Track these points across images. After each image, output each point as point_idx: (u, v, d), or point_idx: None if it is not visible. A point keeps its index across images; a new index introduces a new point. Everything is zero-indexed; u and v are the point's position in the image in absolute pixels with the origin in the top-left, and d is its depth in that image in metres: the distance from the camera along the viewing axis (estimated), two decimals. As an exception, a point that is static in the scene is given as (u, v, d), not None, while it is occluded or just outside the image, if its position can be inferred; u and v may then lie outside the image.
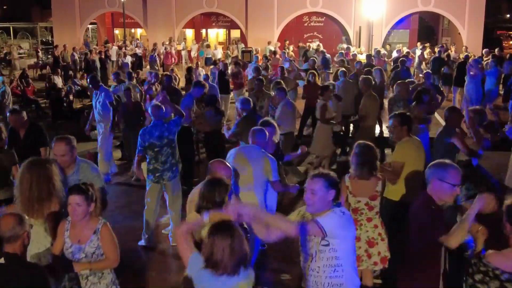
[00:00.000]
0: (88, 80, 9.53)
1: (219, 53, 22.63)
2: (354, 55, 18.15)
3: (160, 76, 12.18)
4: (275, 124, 5.62)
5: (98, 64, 19.15)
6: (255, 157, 4.85)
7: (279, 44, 23.30)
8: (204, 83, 9.07)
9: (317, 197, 3.16)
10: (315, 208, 3.18)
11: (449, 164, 3.39)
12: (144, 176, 6.11)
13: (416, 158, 4.88)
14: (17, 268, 3.15)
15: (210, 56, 21.96)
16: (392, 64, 16.74)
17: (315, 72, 10.71)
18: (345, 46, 22.48)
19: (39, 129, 6.22)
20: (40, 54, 24.83)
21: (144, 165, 6.15)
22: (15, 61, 22.88)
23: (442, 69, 15.02)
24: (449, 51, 19.24)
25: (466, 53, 18.34)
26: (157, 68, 19.37)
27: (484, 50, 17.62)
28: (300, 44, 23.71)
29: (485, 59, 16.27)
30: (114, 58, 21.41)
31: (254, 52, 19.95)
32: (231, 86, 13.47)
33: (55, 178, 3.80)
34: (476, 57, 16.01)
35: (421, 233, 3.36)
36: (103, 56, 19.89)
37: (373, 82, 8.85)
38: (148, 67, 20.29)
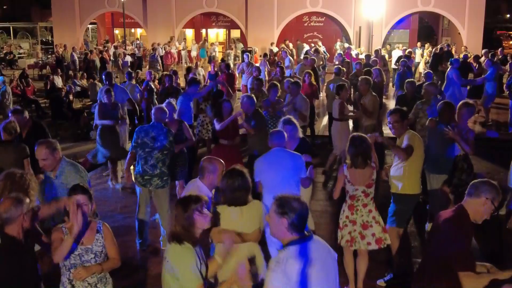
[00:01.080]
0: (103, 76, 9.56)
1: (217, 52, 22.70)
2: (357, 55, 18.15)
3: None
4: (296, 122, 5.51)
5: (98, 64, 19.15)
6: (283, 160, 4.74)
7: (288, 42, 23.22)
8: (198, 79, 9.11)
9: (271, 222, 2.84)
10: (275, 235, 2.87)
11: (497, 185, 3.29)
12: (132, 179, 6.05)
13: (422, 151, 5.09)
14: (12, 250, 3.22)
15: (215, 54, 22.04)
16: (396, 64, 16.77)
17: (311, 72, 10.72)
18: (346, 45, 22.47)
19: (42, 128, 6.23)
20: (60, 50, 24.41)
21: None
22: (38, 60, 22.95)
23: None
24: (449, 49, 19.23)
25: (466, 53, 18.30)
26: (158, 67, 19.32)
27: (484, 50, 17.57)
28: (298, 43, 23.72)
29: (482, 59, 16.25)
30: (112, 58, 21.42)
31: (254, 53, 19.92)
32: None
33: (31, 192, 3.78)
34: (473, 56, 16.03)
35: (444, 247, 3.22)
36: (104, 56, 19.90)
37: (372, 82, 8.82)
38: (148, 67, 20.27)
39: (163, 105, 6.56)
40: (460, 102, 6.08)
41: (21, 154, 5.48)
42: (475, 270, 3.14)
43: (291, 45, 22.39)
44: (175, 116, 6.97)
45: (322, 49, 20.86)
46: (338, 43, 23.81)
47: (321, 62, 16.92)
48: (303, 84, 9.77)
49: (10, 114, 6.10)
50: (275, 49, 21.89)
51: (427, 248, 3.46)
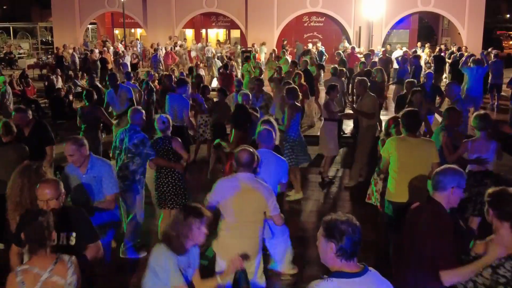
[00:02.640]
0: (107, 78, 9.55)
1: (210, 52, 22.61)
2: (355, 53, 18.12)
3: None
4: (275, 123, 5.33)
5: (99, 64, 19.13)
6: (269, 163, 4.56)
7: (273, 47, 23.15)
8: (186, 80, 9.13)
9: (319, 246, 2.57)
10: (323, 261, 2.60)
11: (461, 170, 3.36)
12: None
13: (408, 157, 4.75)
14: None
15: (220, 54, 22.00)
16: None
17: (300, 73, 10.73)
18: (347, 45, 22.46)
19: (45, 127, 6.21)
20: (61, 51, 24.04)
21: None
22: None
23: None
24: (449, 50, 19.24)
25: (460, 52, 18.14)
26: (161, 68, 19.29)
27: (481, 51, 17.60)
28: (297, 43, 23.71)
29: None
30: (112, 57, 21.40)
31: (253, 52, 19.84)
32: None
33: None
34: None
35: (426, 246, 3.19)
36: (105, 57, 19.86)
37: (368, 84, 8.74)
38: (149, 67, 20.24)
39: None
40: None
41: (20, 155, 5.48)
42: (457, 266, 3.13)
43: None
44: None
45: (321, 49, 20.86)
46: (341, 44, 23.79)
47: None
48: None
49: (13, 113, 6.06)
50: (265, 50, 21.65)
51: (405, 241, 3.37)
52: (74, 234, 3.49)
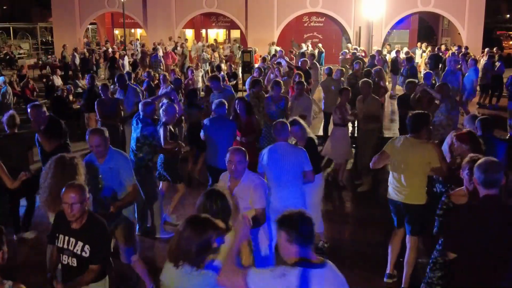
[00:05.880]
0: (115, 79, 9.63)
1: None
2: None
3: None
4: (302, 122, 5.51)
5: (101, 64, 19.15)
6: (286, 154, 4.80)
7: (279, 48, 23.10)
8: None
9: (278, 241, 2.68)
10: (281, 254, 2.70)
11: None
12: None
13: (406, 156, 4.78)
14: None
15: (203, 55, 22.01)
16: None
17: (301, 73, 10.72)
18: (349, 45, 22.39)
19: (59, 124, 6.28)
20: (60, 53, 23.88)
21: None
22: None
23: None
24: (450, 50, 19.21)
25: (455, 51, 18.07)
26: (162, 68, 19.27)
27: (486, 49, 17.66)
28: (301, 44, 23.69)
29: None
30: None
31: (254, 53, 19.74)
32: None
33: (79, 178, 3.86)
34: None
35: None
36: (116, 56, 19.85)
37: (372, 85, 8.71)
38: (149, 67, 20.22)
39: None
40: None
41: (23, 146, 5.81)
42: None
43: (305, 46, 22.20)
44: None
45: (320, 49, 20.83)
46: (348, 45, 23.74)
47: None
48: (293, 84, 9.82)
49: (28, 109, 6.09)
50: (277, 49, 21.60)
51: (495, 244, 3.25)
52: (89, 248, 3.41)
